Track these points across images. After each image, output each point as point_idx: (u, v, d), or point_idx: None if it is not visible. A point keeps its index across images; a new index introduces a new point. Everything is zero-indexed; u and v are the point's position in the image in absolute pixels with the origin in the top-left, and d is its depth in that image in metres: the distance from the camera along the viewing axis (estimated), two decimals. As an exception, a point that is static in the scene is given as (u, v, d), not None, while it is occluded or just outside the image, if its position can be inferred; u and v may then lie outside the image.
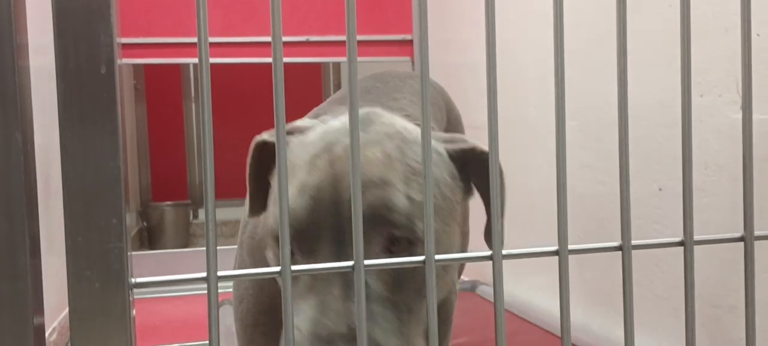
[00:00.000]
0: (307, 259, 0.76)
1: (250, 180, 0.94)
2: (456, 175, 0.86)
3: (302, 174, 0.78)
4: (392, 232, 0.75)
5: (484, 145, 0.85)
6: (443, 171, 0.83)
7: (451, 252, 0.81)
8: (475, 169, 0.89)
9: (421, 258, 0.58)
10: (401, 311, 0.75)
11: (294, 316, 0.72)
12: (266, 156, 0.92)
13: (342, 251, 0.75)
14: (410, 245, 0.76)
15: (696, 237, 0.64)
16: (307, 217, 0.75)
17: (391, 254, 0.75)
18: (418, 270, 0.75)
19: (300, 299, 0.74)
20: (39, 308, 0.51)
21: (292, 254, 0.78)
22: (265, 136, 0.91)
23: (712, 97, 1.45)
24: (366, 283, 0.73)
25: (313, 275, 0.74)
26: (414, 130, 0.84)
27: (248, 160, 0.93)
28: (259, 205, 0.94)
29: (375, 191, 0.75)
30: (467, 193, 0.91)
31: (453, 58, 2.76)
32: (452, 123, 1.56)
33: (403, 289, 0.76)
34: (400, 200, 0.76)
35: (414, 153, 0.81)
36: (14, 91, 0.47)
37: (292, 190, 0.77)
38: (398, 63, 2.90)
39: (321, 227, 0.76)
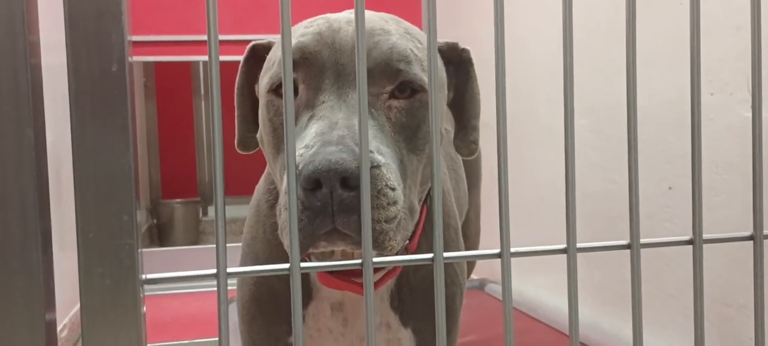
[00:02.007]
0: (309, 92, 0.81)
1: (238, 92, 0.98)
2: (442, 67, 0.92)
3: (300, 30, 0.84)
4: (401, 79, 0.81)
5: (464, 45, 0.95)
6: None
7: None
8: (455, 68, 0.96)
9: (430, 256, 0.58)
10: (402, 153, 0.81)
11: (299, 143, 0.76)
12: (255, 66, 0.96)
13: (343, 90, 0.79)
14: (414, 92, 0.82)
15: (705, 236, 0.64)
16: (313, 45, 0.81)
17: (397, 101, 0.81)
18: (423, 124, 0.83)
19: (304, 129, 0.78)
20: (51, 304, 0.51)
21: (296, 84, 0.83)
22: (263, 41, 0.96)
23: (723, 95, 1.44)
24: (373, 118, 0.79)
25: (315, 107, 0.79)
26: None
27: (240, 67, 0.97)
28: (245, 128, 0.98)
29: (379, 38, 0.82)
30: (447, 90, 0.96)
31: (462, 55, 2.75)
32: None
33: (406, 134, 0.82)
34: (405, 48, 0.82)
35: (410, 27, 0.88)
36: (27, 89, 0.48)
37: (293, 41, 0.82)
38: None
39: (324, 60, 0.81)
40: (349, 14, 0.86)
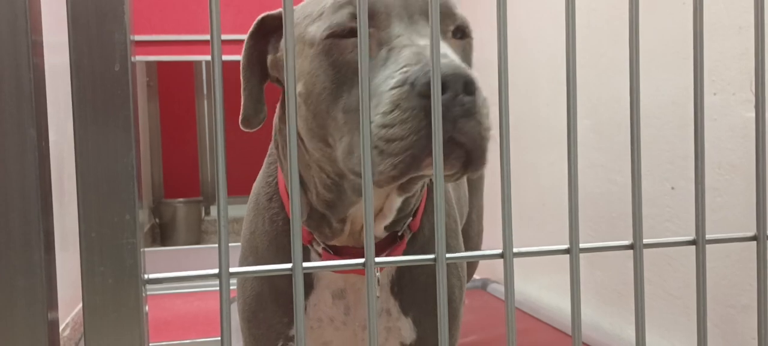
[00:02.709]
0: (378, 32, 0.81)
1: (244, 67, 0.95)
2: None
3: None
4: (458, 22, 0.86)
5: None
6: None
7: None
8: None
9: (432, 256, 0.58)
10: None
11: (384, 71, 0.76)
12: (262, 39, 0.95)
13: (413, 25, 0.81)
14: (464, 36, 0.88)
15: (708, 236, 0.64)
16: None
17: (456, 39, 0.86)
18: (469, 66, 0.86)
19: (384, 61, 0.78)
20: (53, 304, 0.51)
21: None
22: (272, 12, 0.95)
23: (726, 96, 1.44)
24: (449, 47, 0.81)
25: (391, 42, 0.79)
26: None
27: (246, 41, 0.95)
28: (252, 106, 0.96)
29: None
30: None
31: (465, 55, 2.76)
32: None
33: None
34: None
35: None
36: (29, 89, 0.48)
37: None
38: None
39: (387, 1, 0.82)
40: None
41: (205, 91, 4.80)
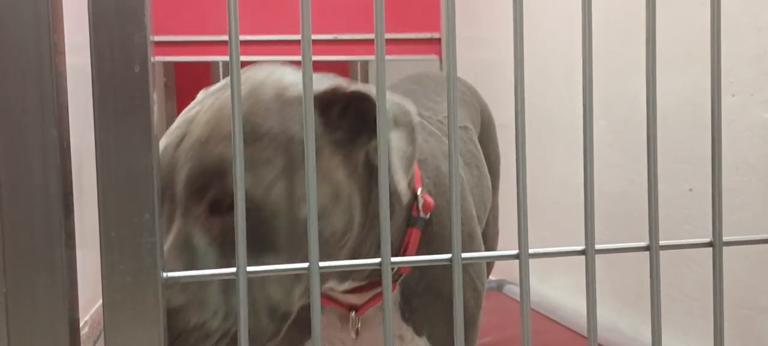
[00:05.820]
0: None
1: None
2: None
3: (174, 126, 0.80)
4: (214, 194, 0.72)
5: (349, 86, 0.79)
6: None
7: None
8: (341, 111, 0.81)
9: (448, 256, 0.58)
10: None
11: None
12: None
13: (171, 216, 0.73)
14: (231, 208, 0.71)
15: (725, 238, 0.64)
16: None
17: (219, 216, 0.72)
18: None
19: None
20: (74, 302, 0.52)
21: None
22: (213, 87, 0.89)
23: (744, 96, 1.43)
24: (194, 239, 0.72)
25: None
26: (290, 86, 0.80)
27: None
28: None
29: (195, 152, 0.73)
30: (335, 136, 0.81)
31: (481, 55, 2.75)
32: (485, 124, 1.57)
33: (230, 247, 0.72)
34: (213, 159, 0.72)
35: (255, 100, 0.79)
36: (52, 89, 0.49)
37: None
38: (426, 61, 2.89)
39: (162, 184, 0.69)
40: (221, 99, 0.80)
41: (221, 92, 4.81)
